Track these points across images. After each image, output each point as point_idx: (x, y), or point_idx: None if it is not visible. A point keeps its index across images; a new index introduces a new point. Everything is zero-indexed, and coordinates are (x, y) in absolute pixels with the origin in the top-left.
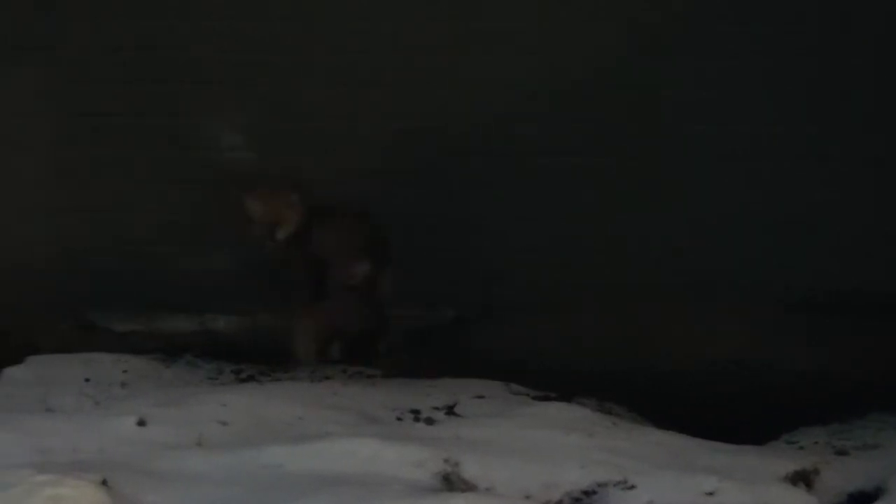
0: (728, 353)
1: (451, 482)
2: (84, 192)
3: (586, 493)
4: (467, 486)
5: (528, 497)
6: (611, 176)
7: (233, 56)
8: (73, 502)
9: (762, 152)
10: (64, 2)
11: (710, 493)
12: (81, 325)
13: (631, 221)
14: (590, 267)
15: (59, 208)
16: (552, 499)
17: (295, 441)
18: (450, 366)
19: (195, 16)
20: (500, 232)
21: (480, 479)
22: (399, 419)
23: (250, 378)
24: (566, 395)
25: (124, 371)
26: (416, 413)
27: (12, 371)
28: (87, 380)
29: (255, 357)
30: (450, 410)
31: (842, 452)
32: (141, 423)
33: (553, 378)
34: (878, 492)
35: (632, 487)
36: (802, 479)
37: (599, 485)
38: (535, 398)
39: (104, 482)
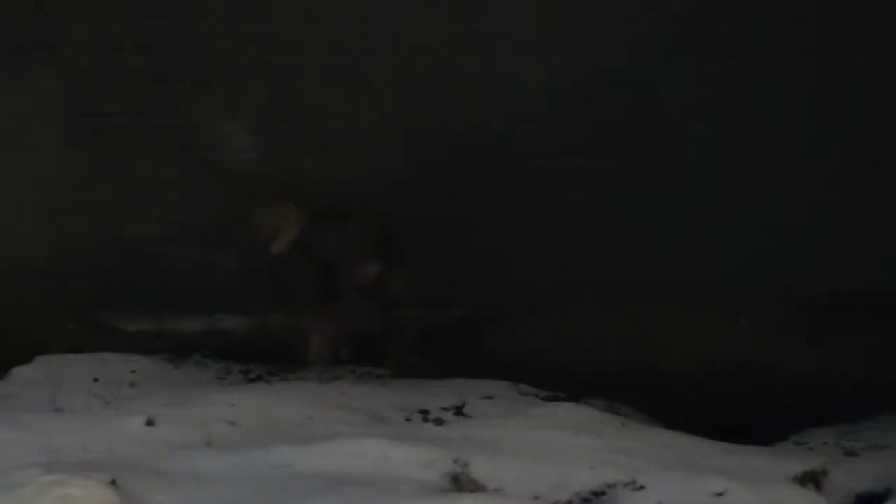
0: (728, 353)
1: (460, 482)
2: (86, 192)
3: (595, 493)
4: (476, 487)
5: (537, 497)
6: (611, 176)
7: (233, 56)
8: (82, 502)
9: (762, 152)
10: (64, 2)
11: (719, 494)
12: (90, 325)
13: (631, 221)
14: (589, 267)
15: (62, 208)
16: (561, 499)
17: (304, 441)
18: (450, 365)
19: (195, 16)
20: (500, 232)
21: (489, 480)
22: (408, 420)
23: (259, 378)
24: (575, 396)
25: (133, 371)
26: (424, 413)
27: (21, 371)
28: (95, 380)
29: (264, 357)
30: (458, 411)
31: (851, 453)
32: (150, 422)
33: (556, 378)
34: (887, 493)
35: (641, 488)
36: (811, 479)
37: (608, 485)
38: (543, 399)
39: (113, 482)
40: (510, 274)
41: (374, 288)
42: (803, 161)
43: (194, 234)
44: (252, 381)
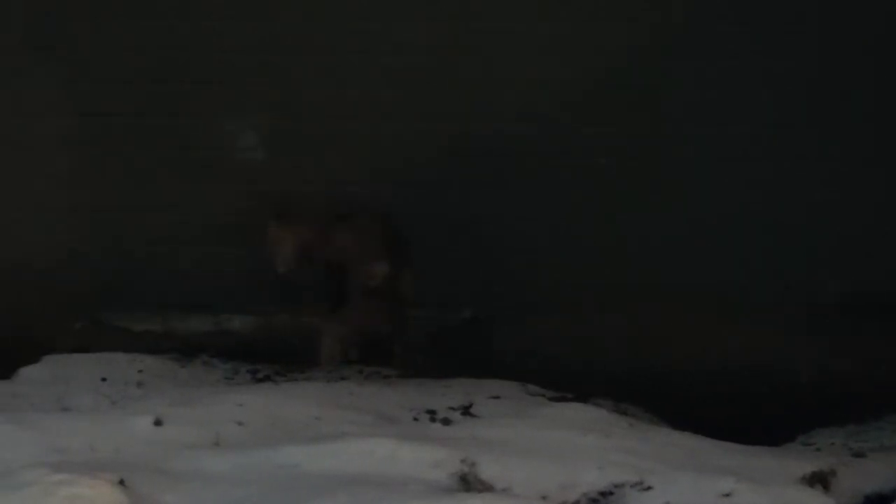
0: (727, 353)
1: (468, 482)
2: (90, 192)
3: (603, 493)
4: (484, 487)
5: (544, 498)
6: (611, 176)
7: (233, 56)
8: (90, 502)
9: (762, 152)
10: (64, 2)
11: (727, 495)
12: (96, 325)
13: (631, 221)
14: (589, 267)
15: (67, 208)
16: (569, 499)
17: (311, 441)
18: (449, 366)
19: (195, 16)
20: (499, 232)
21: (497, 480)
22: (416, 419)
23: (266, 378)
24: (582, 396)
25: (140, 371)
26: (432, 413)
27: (28, 370)
28: (103, 379)
29: (271, 357)
30: (466, 411)
31: (858, 454)
32: (157, 422)
33: (560, 379)
34: (895, 493)
35: (648, 488)
36: (819, 480)
37: (616, 486)
38: (551, 399)
39: (121, 482)
40: (510, 274)
41: (384, 288)
42: (803, 161)
43: (201, 234)
44: (260, 380)
